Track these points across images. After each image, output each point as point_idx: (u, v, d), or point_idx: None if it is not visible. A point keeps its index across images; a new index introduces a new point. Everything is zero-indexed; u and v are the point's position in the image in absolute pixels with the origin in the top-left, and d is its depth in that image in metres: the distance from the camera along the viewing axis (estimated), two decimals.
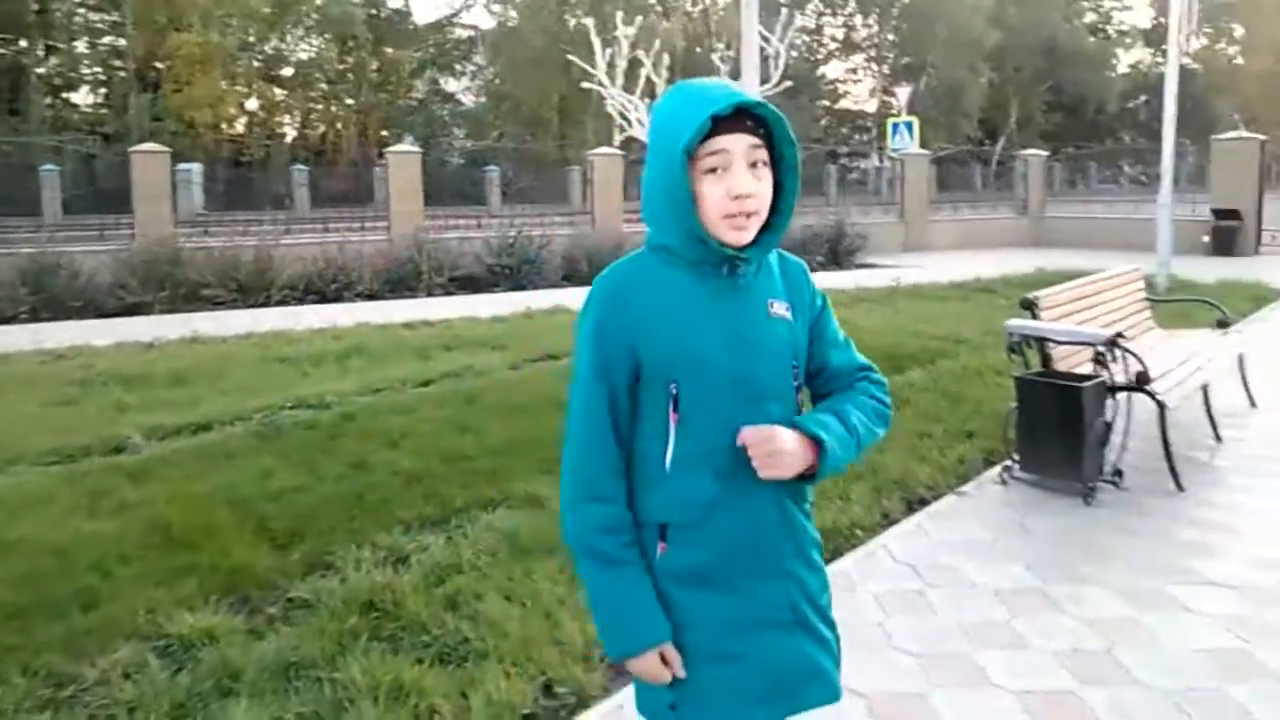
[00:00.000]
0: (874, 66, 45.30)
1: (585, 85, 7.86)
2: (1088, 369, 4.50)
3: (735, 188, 1.37)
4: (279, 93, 33.35)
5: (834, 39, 46.36)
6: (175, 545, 3.57)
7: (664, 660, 1.43)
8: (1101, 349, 4.38)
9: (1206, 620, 3.13)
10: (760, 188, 1.41)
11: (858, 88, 47.55)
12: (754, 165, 1.40)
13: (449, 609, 3.14)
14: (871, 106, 44.54)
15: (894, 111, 29.42)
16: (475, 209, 18.91)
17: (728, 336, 1.43)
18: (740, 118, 1.37)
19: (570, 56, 8.18)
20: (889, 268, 14.12)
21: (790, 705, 1.49)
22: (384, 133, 33.70)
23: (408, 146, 13.83)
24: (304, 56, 34.26)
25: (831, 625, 1.55)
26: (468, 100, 37.77)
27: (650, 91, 7.74)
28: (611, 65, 7.78)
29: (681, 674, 1.44)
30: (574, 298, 11.00)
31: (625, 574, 1.43)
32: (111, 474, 4.37)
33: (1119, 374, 4.48)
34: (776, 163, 1.44)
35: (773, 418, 1.43)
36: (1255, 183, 16.13)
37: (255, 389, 6.02)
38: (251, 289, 10.56)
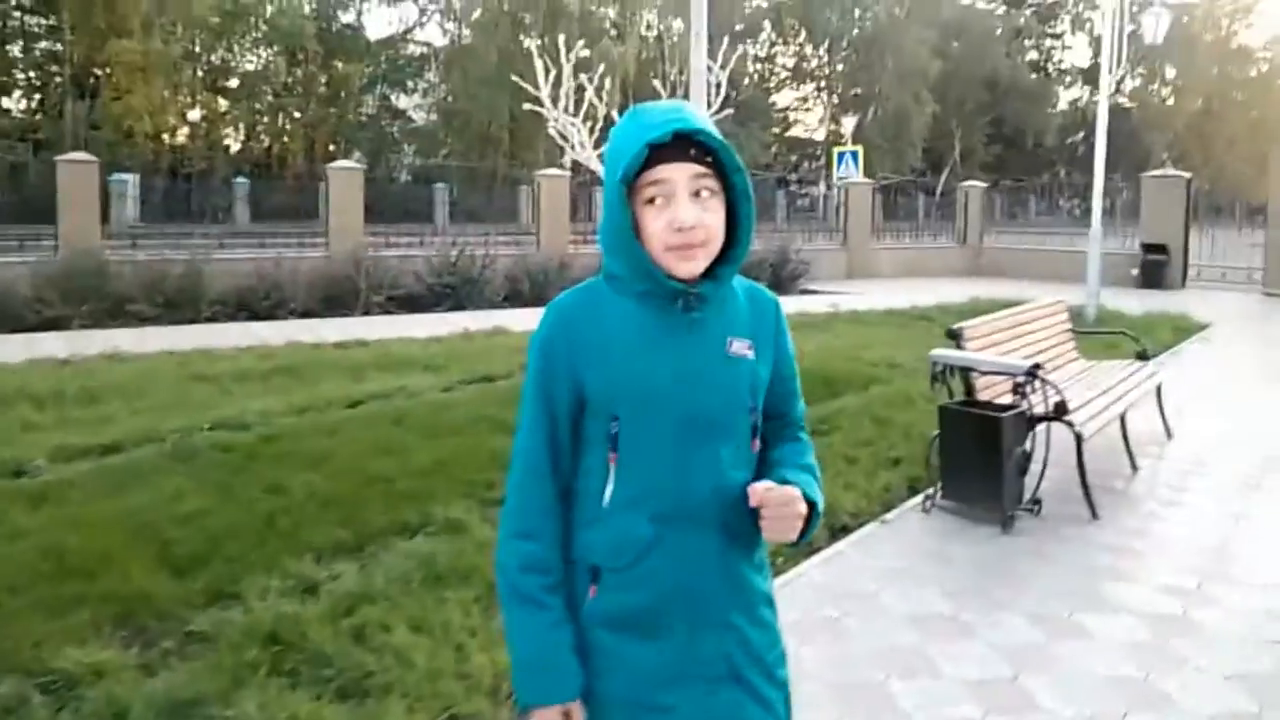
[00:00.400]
0: (824, 95, 46.22)
1: (527, 106, 7.83)
2: (1010, 399, 4.58)
3: (677, 219, 1.31)
4: (223, 104, 32.75)
5: (785, 67, 47.25)
6: (69, 573, 3.41)
7: (568, 718, 1.36)
8: (1021, 379, 4.46)
9: (1113, 648, 3.19)
10: (707, 218, 1.33)
11: (808, 116, 48.55)
12: (699, 194, 1.33)
13: (355, 641, 3.04)
14: (821, 134, 45.38)
15: (842, 140, 30.01)
16: (423, 227, 18.72)
17: (678, 373, 1.35)
18: (683, 146, 1.31)
19: (514, 77, 8.12)
20: (831, 294, 14.31)
21: None
22: (331, 147, 33.29)
23: (349, 163, 13.67)
24: (250, 68, 33.74)
25: (779, 685, 1.46)
26: (418, 117, 37.54)
27: (592, 115, 7.74)
28: (556, 86, 7.78)
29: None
30: (515, 319, 10.92)
31: (543, 618, 1.36)
32: (7, 498, 4.16)
33: (1039, 404, 4.58)
34: (731, 191, 1.37)
35: (721, 460, 1.37)
36: (1182, 219, 16.75)
37: (172, 408, 5.83)
38: (179, 304, 10.23)
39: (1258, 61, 53.34)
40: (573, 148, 7.83)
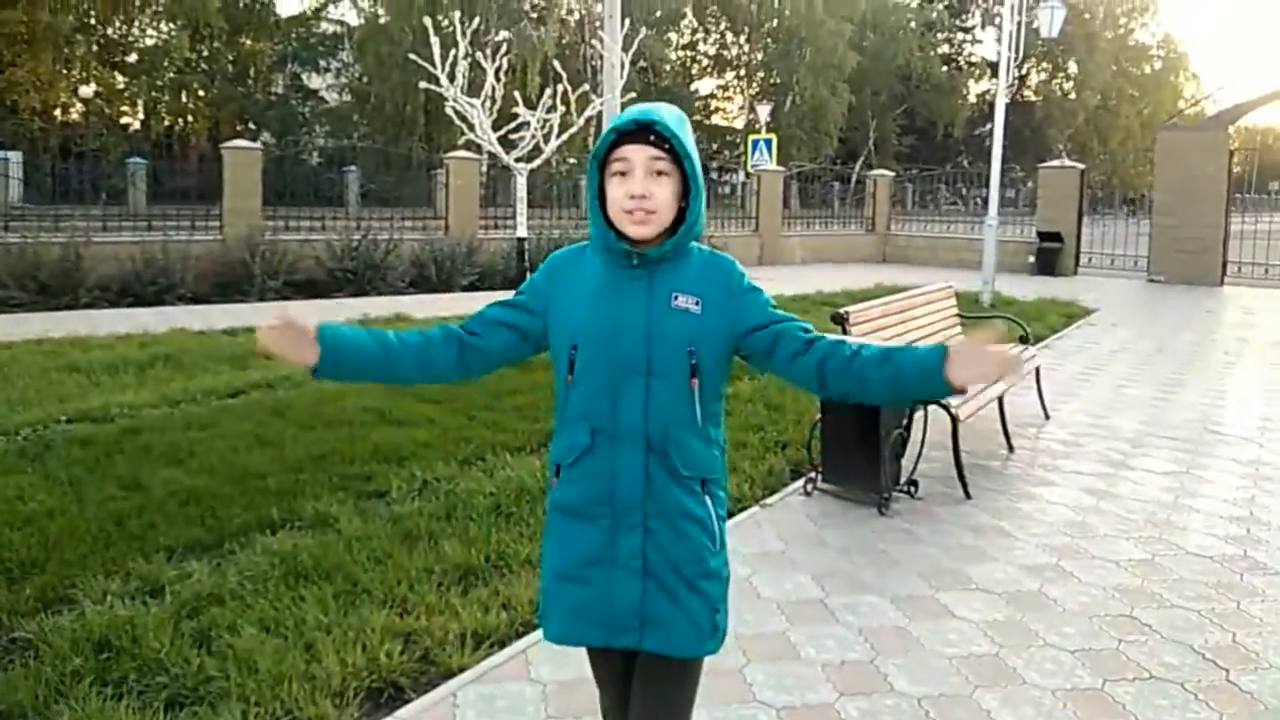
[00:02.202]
0: (743, 84, 46.56)
1: (424, 85, 7.60)
2: None
3: (632, 189, 1.62)
4: (121, 80, 31.05)
5: (706, 55, 47.39)
6: None
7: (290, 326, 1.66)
8: None
9: (970, 626, 3.26)
10: (658, 191, 1.63)
11: (729, 104, 48.80)
12: (657, 174, 1.63)
13: (197, 645, 2.89)
14: (741, 123, 45.72)
15: (759, 128, 30.25)
16: (333, 210, 18.12)
17: (621, 318, 1.65)
18: (644, 133, 1.63)
19: (411, 55, 7.87)
20: None
21: (625, 639, 1.70)
22: (239, 127, 31.94)
23: (245, 142, 13.07)
24: (151, 43, 32.05)
25: (700, 594, 1.69)
26: (331, 98, 36.31)
27: (492, 95, 7.56)
28: (455, 66, 7.56)
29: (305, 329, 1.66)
30: (418, 305, 10.67)
31: (376, 333, 1.76)
32: None
33: None
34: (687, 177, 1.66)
35: (652, 392, 1.64)
36: (1075, 208, 17.44)
37: (32, 400, 5.48)
38: (56, 290, 9.63)
39: (1151, 59, 55.95)
40: (472, 129, 7.64)
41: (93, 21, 29.77)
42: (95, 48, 30.38)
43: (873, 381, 1.64)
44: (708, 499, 1.71)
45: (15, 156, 20.58)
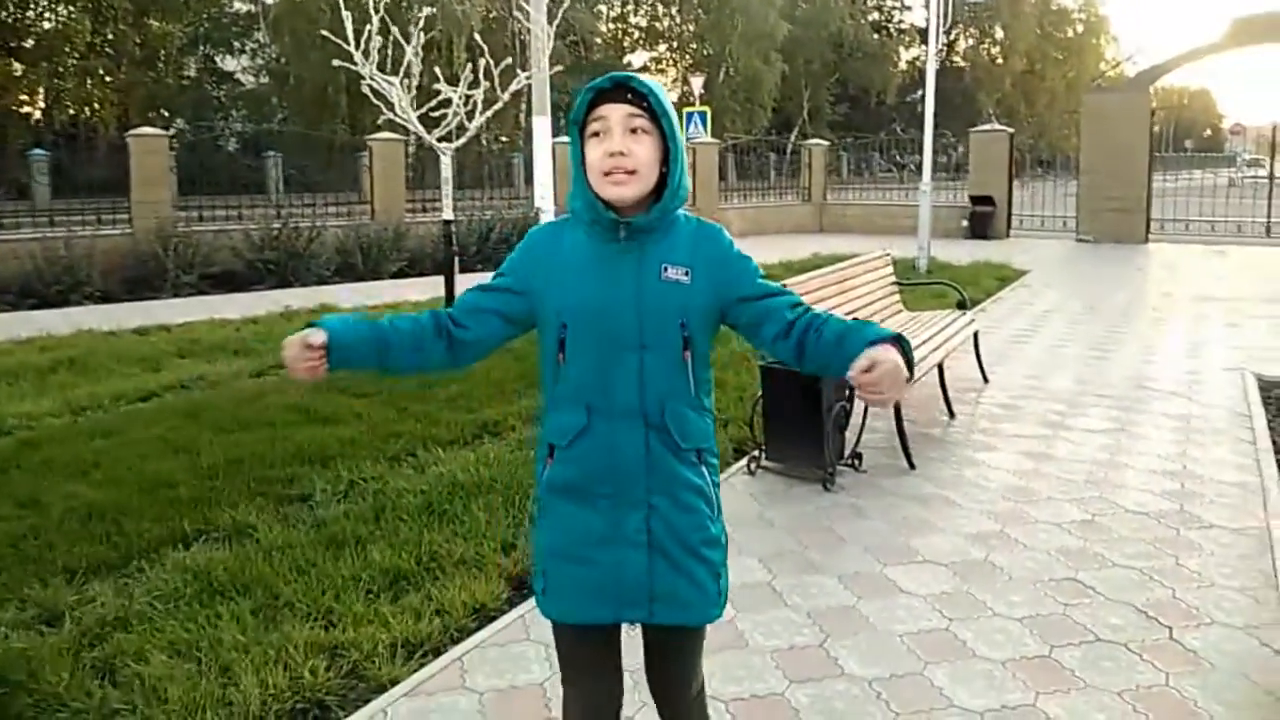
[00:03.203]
0: (676, 56, 46.23)
1: (337, 63, 7.25)
2: None
3: (610, 147, 1.57)
4: (18, 67, 29.31)
5: (638, 28, 46.90)
6: None
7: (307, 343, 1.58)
8: None
9: (918, 601, 3.20)
10: (638, 150, 1.59)
11: (662, 77, 48.41)
12: (634, 132, 1.59)
13: (100, 675, 2.67)
14: (675, 96, 45.44)
15: (692, 100, 30.06)
16: (254, 199, 17.43)
17: (611, 293, 1.61)
18: (620, 92, 1.59)
19: (324, 32, 7.49)
20: None
21: (633, 614, 1.69)
22: (152, 114, 30.49)
23: (152, 129, 12.39)
24: (49, 27, 30.31)
25: (705, 562, 1.69)
26: (247, 80, 34.90)
27: (409, 72, 7.24)
28: (368, 42, 7.20)
29: (316, 345, 1.58)
30: (345, 294, 10.27)
31: (379, 322, 1.69)
32: None
33: None
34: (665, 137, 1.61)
35: (646, 367, 1.61)
36: (1005, 171, 17.71)
37: None
38: None
39: (1074, 22, 57.21)
40: (391, 109, 7.31)
41: None
42: None
43: (832, 364, 1.61)
44: (704, 468, 1.71)
45: None
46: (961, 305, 6.57)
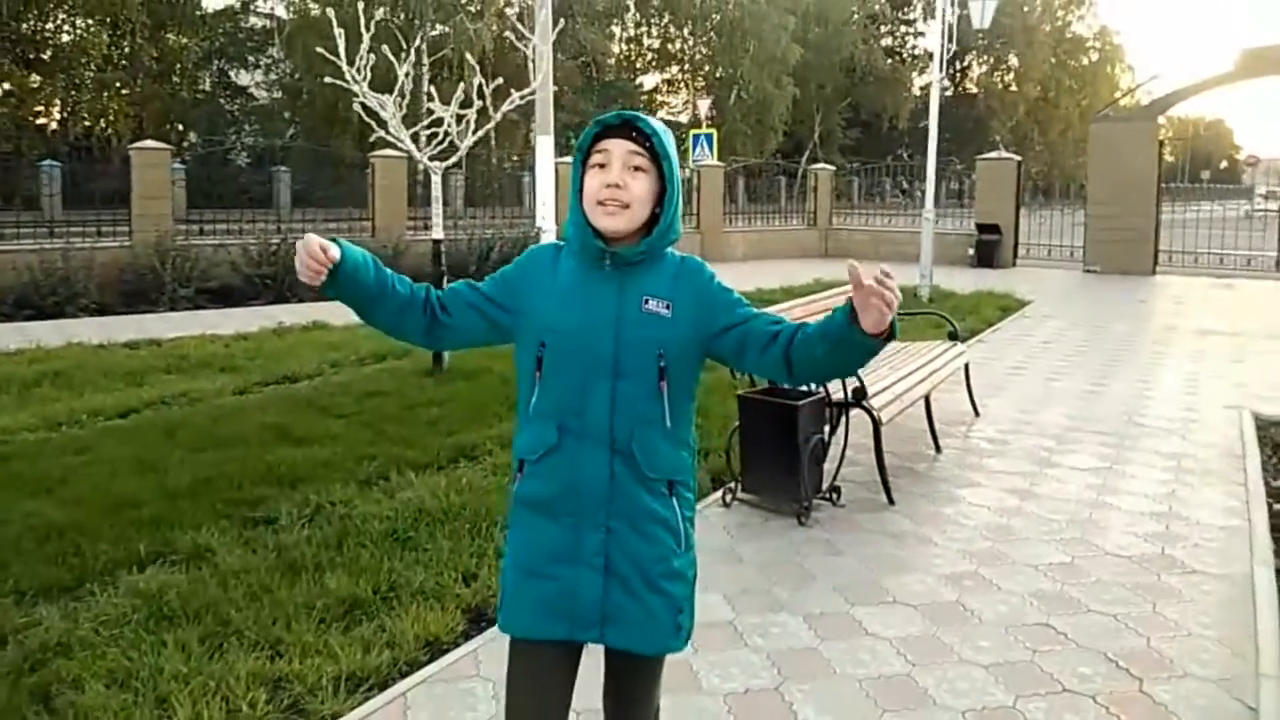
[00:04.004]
0: (688, 79, 46.45)
1: (329, 80, 7.25)
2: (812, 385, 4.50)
3: (608, 178, 1.65)
4: (36, 79, 29.66)
5: (651, 50, 47.18)
6: None
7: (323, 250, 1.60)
8: None
9: (883, 645, 3.11)
10: (633, 185, 1.66)
11: (675, 99, 48.65)
12: (634, 169, 1.67)
13: (36, 703, 2.61)
14: (686, 118, 45.62)
15: (703, 122, 30.16)
16: (263, 213, 17.51)
17: (591, 319, 1.65)
18: (626, 130, 1.68)
19: (320, 50, 7.51)
20: None
21: (587, 634, 1.71)
22: (165, 127, 30.77)
23: (154, 143, 12.46)
24: (67, 39, 30.69)
25: (663, 594, 1.70)
26: (261, 95, 35.21)
27: (403, 91, 7.24)
28: (365, 61, 7.20)
29: (323, 255, 1.60)
30: (337, 312, 10.13)
31: (385, 272, 1.73)
32: None
33: (837, 390, 4.52)
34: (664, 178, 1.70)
35: (620, 393, 1.65)
36: (1013, 200, 17.63)
37: None
38: None
39: (1089, 50, 57.27)
40: (384, 126, 7.31)
41: (1, 16, 28.36)
42: (6, 44, 28.97)
43: (821, 359, 1.63)
44: (674, 500, 1.72)
45: None
46: (953, 336, 6.48)
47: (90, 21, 30.10)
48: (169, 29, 31.88)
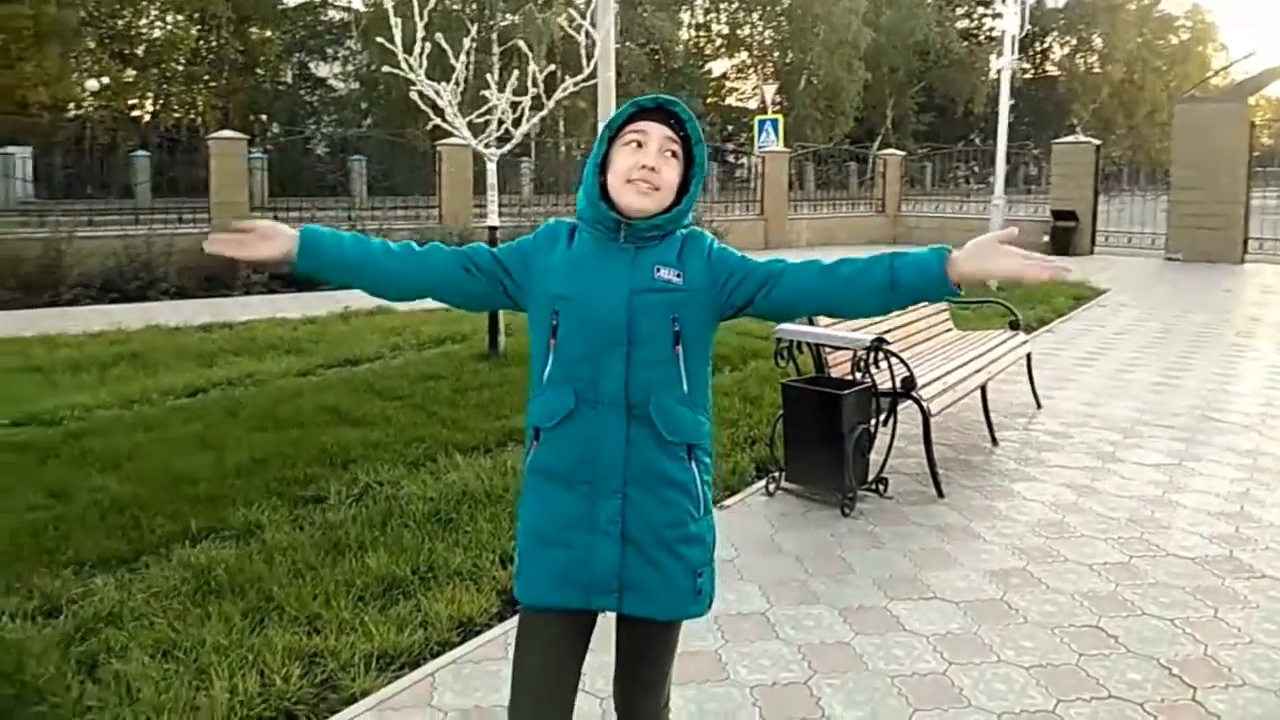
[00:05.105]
0: (758, 65, 45.85)
1: (387, 69, 7.36)
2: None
3: (645, 159, 1.68)
4: (130, 73, 31.06)
5: (720, 35, 46.70)
6: None
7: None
8: (862, 354, 4.28)
9: (920, 641, 3.03)
10: (666, 169, 1.70)
11: (744, 84, 48.09)
12: (667, 153, 1.71)
13: (84, 670, 2.73)
14: (755, 104, 45.04)
15: (773, 108, 29.73)
16: (341, 201, 18.00)
17: (605, 289, 1.67)
18: (664, 115, 1.72)
19: (379, 39, 7.63)
20: None
21: (604, 601, 1.71)
22: (250, 118, 31.88)
23: (231, 133, 12.90)
24: (159, 34, 32.03)
25: (680, 558, 1.71)
26: (338, 86, 36.15)
27: (459, 80, 7.31)
28: (421, 49, 7.29)
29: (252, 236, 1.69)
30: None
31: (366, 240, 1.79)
32: None
33: (885, 379, 4.41)
34: (690, 165, 1.75)
35: (634, 359, 1.66)
36: (1091, 185, 16.93)
37: None
38: (38, 286, 9.55)
39: (1178, 30, 54.47)
40: (441, 115, 7.39)
41: (99, 14, 29.72)
42: (103, 41, 30.37)
43: (865, 284, 1.70)
44: (693, 464, 1.73)
45: (24, 152, 20.57)
46: (1014, 326, 6.26)
47: (180, 17, 31.34)
48: (253, 23, 32.97)
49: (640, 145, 1.69)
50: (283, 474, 4.34)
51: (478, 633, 3.06)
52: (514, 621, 3.09)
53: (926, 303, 1.70)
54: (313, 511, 3.98)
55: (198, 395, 5.76)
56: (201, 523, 3.75)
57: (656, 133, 1.70)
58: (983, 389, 5.23)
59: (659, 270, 1.70)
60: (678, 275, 1.70)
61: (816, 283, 1.74)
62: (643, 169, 1.68)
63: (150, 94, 32.80)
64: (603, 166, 1.73)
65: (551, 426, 1.70)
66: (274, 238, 1.70)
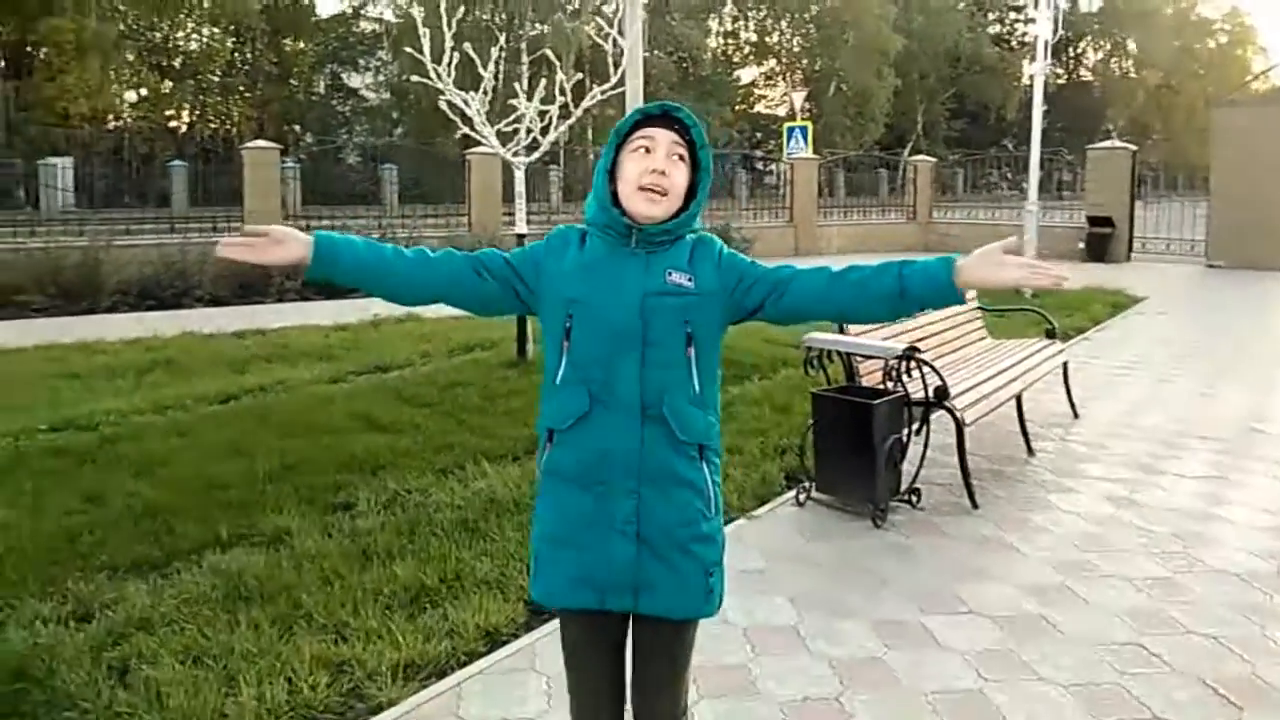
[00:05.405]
0: (786, 72, 45.72)
1: (415, 79, 7.41)
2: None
3: (654, 164, 1.70)
4: (167, 84, 31.71)
5: (748, 43, 46.65)
6: None
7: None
8: (894, 363, 4.22)
9: (954, 657, 2.96)
10: (675, 173, 1.73)
11: (773, 92, 47.97)
12: (675, 158, 1.73)
13: (114, 675, 2.75)
14: (784, 111, 44.90)
15: (802, 115, 29.62)
16: (373, 209, 18.20)
17: (617, 292, 1.69)
18: (669, 121, 1.75)
19: (408, 50, 7.69)
20: None
21: (620, 601, 1.73)
22: (284, 128, 32.40)
23: (264, 143, 13.10)
24: (195, 47, 32.69)
25: (694, 558, 1.73)
26: (370, 96, 36.63)
27: (486, 89, 7.35)
28: (449, 59, 7.33)
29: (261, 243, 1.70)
30: (432, 306, 10.38)
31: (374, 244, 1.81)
32: None
33: (918, 389, 4.34)
34: (695, 168, 1.77)
35: (647, 361, 1.68)
36: (1127, 191, 16.64)
37: (21, 408, 5.44)
38: (77, 294, 9.75)
39: (1216, 34, 53.56)
40: (469, 123, 7.43)
41: (138, 27, 30.38)
42: (142, 53, 31.02)
43: (874, 291, 1.73)
44: (704, 465, 1.75)
45: (65, 163, 21.06)
46: (1050, 334, 6.14)
47: (216, 30, 31.94)
48: (286, 35, 33.53)
49: (648, 150, 1.72)
50: (313, 480, 4.35)
51: (504, 643, 3.04)
52: (541, 632, 3.08)
53: (934, 310, 1.69)
54: (342, 519, 3.98)
55: (230, 402, 5.82)
56: (232, 529, 3.77)
57: (663, 138, 1.73)
58: (1018, 398, 5.13)
59: (671, 274, 1.72)
60: (689, 279, 1.73)
61: (826, 289, 1.76)
62: (653, 173, 1.71)
63: (187, 105, 33.47)
64: (612, 173, 1.76)
65: (566, 428, 1.72)
66: (287, 242, 1.70)
